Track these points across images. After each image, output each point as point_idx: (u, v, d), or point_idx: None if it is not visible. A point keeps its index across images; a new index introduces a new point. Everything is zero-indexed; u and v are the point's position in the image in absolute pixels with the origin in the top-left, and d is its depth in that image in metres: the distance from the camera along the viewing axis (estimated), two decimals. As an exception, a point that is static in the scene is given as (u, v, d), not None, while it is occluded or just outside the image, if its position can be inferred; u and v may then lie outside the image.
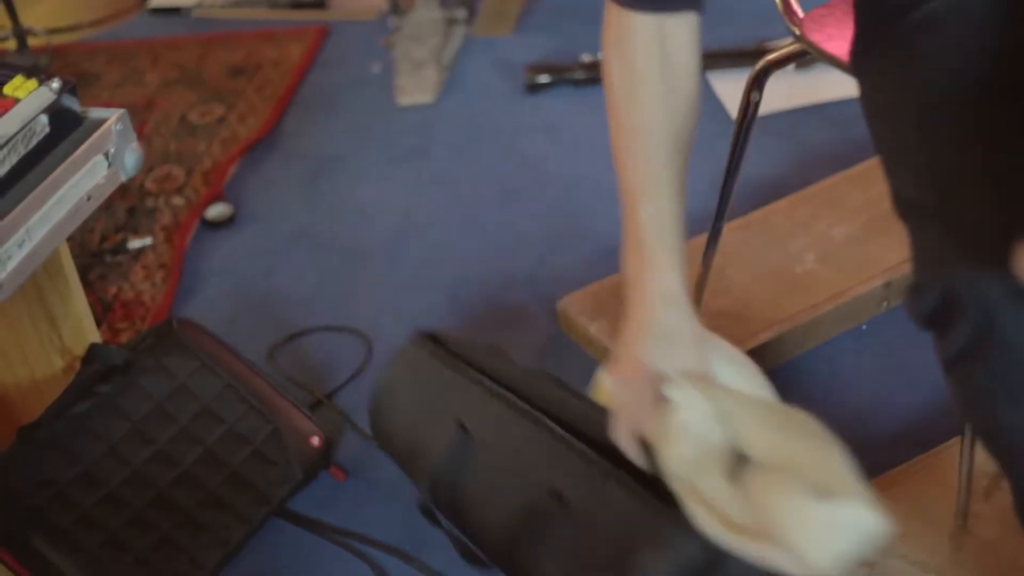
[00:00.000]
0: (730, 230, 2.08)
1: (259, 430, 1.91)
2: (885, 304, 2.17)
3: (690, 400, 1.40)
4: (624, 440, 1.43)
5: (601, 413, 1.47)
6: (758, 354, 2.04)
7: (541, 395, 1.63)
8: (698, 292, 2.10)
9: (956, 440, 1.78)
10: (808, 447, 1.37)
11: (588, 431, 1.53)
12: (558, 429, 1.56)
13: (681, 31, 1.43)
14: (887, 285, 2.16)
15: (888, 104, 1.34)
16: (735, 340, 2.02)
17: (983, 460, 1.77)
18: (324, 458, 1.93)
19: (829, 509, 1.31)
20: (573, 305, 2.17)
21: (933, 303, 1.25)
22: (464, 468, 1.64)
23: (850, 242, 2.23)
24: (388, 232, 2.53)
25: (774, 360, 2.08)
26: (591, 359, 2.12)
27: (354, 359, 2.19)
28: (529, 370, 1.69)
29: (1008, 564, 1.67)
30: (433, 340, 1.78)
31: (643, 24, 1.43)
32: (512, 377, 1.67)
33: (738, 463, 1.38)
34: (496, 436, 1.63)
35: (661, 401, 1.40)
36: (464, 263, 2.40)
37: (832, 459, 1.35)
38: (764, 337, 2.05)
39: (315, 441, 1.92)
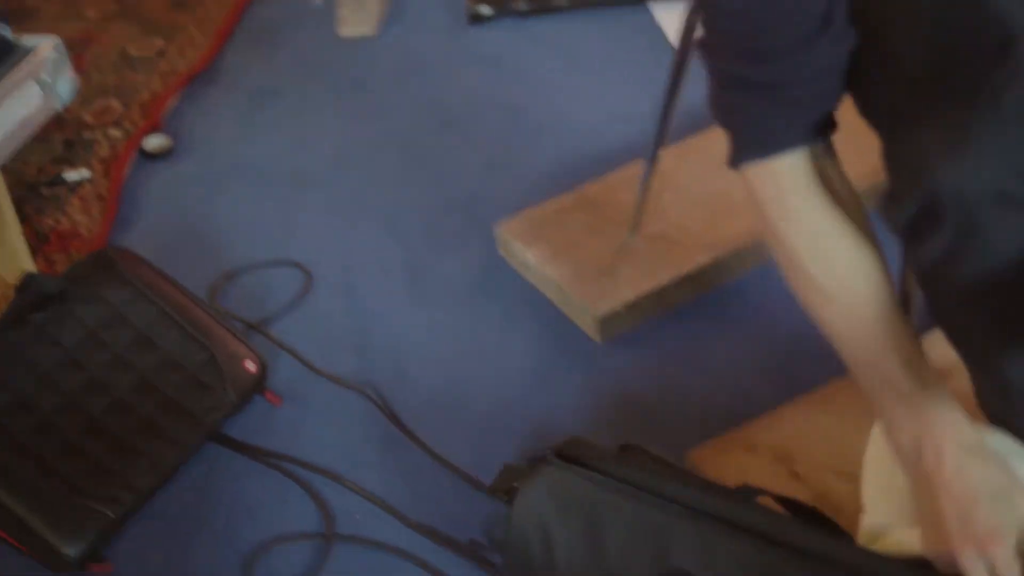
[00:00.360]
0: (669, 156, 2.08)
1: (194, 356, 1.90)
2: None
3: None
4: None
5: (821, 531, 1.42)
6: (696, 278, 2.05)
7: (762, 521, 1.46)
8: (636, 217, 2.10)
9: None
10: None
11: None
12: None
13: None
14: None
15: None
16: (672, 264, 2.04)
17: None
18: (259, 383, 1.92)
19: None
20: (510, 230, 2.16)
21: (912, 210, 1.24)
22: None
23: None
24: (327, 163, 2.52)
25: (712, 283, 2.08)
26: (528, 284, 2.12)
27: (292, 288, 2.18)
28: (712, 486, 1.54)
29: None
30: (566, 457, 1.58)
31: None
32: (699, 493, 1.50)
33: None
34: (733, 572, 1.44)
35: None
36: (403, 191, 2.40)
37: None
38: (702, 261, 2.05)
39: (250, 366, 1.92)
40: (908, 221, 1.26)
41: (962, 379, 1.58)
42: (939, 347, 1.75)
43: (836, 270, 1.33)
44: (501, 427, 1.88)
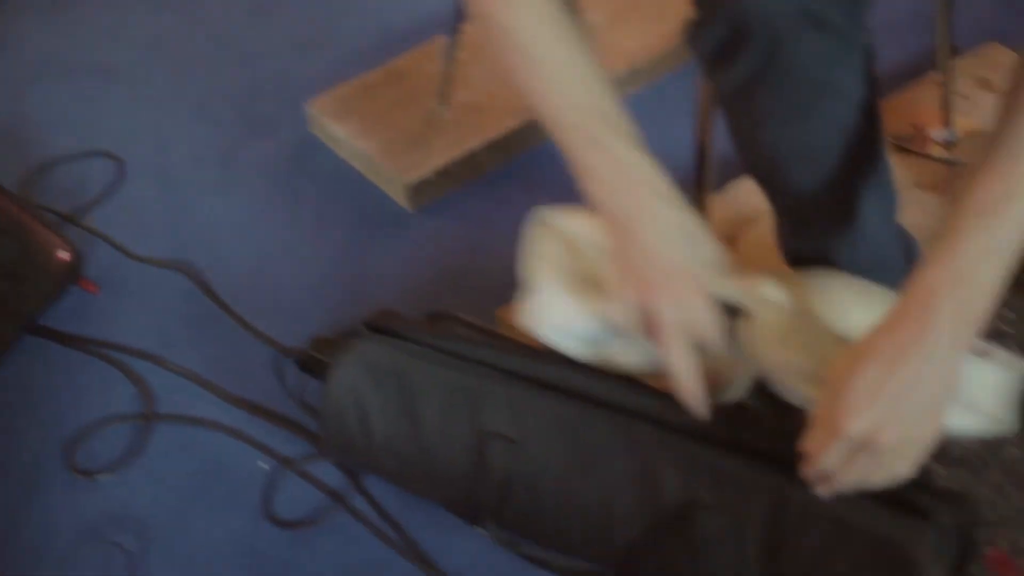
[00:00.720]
0: (473, 25, 2.10)
1: (4, 250, 1.89)
2: (630, 88, 2.22)
3: (768, 292, 1.33)
4: (684, 369, 1.33)
5: (623, 380, 1.44)
6: (505, 143, 2.08)
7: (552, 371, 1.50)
8: (444, 87, 2.13)
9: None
10: None
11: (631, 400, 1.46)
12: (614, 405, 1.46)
13: None
14: (631, 71, 2.21)
15: None
16: (481, 130, 2.07)
17: (715, 224, 1.85)
18: (74, 272, 1.92)
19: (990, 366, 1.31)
20: (320, 107, 2.18)
21: (719, 35, 1.29)
22: (515, 478, 1.51)
23: (594, 30, 2.26)
24: (136, 53, 2.50)
25: (522, 147, 2.12)
26: (340, 160, 2.14)
27: (106, 179, 2.18)
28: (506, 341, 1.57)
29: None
30: (377, 328, 1.61)
31: None
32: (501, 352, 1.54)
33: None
34: (543, 433, 1.49)
35: (717, 308, 1.32)
36: (212, 76, 2.39)
37: None
38: (511, 125, 2.09)
39: (63, 256, 1.91)
40: (715, 45, 1.31)
41: (765, 226, 1.65)
42: (742, 197, 1.82)
43: (544, 35, 1.31)
44: (317, 300, 1.91)
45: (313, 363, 1.69)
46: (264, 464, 1.71)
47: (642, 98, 2.21)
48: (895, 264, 1.56)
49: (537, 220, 1.49)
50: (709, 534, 1.41)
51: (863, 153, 1.44)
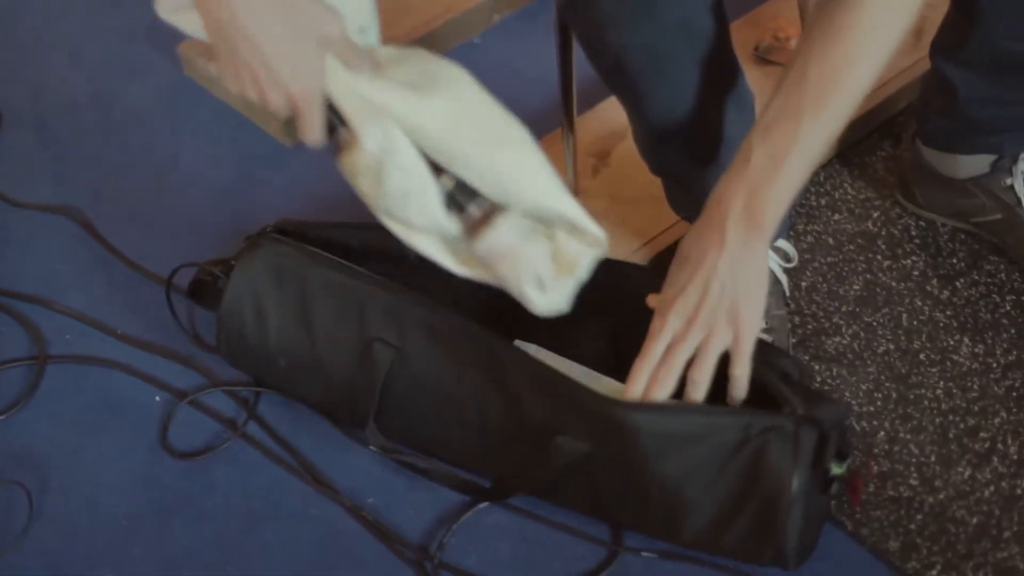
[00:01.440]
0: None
1: None
2: (495, 16, 2.26)
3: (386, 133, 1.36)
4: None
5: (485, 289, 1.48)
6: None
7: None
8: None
9: (559, 131, 1.90)
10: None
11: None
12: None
13: None
14: (498, -2, 2.25)
15: None
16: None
17: (588, 143, 1.91)
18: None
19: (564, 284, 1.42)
20: (192, 47, 2.19)
21: None
22: (397, 384, 1.58)
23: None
24: (3, 1, 2.49)
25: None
26: (216, 99, 2.16)
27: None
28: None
29: (617, 228, 1.82)
30: (285, 232, 1.67)
31: None
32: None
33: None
34: (420, 341, 1.56)
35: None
36: (80, 27, 2.39)
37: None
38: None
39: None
40: None
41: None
42: (612, 113, 1.87)
43: None
44: (202, 238, 1.94)
45: (205, 286, 1.72)
46: (158, 398, 1.75)
47: (510, 23, 2.26)
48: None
49: None
50: (565, 457, 1.49)
51: (713, 57, 1.50)
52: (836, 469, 1.46)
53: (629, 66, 1.42)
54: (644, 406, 1.43)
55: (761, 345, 1.50)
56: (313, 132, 1.35)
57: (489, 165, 1.39)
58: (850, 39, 1.33)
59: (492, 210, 1.41)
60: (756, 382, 1.46)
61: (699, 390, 1.41)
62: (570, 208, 1.40)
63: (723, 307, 1.38)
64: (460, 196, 1.40)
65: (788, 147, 1.34)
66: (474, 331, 1.53)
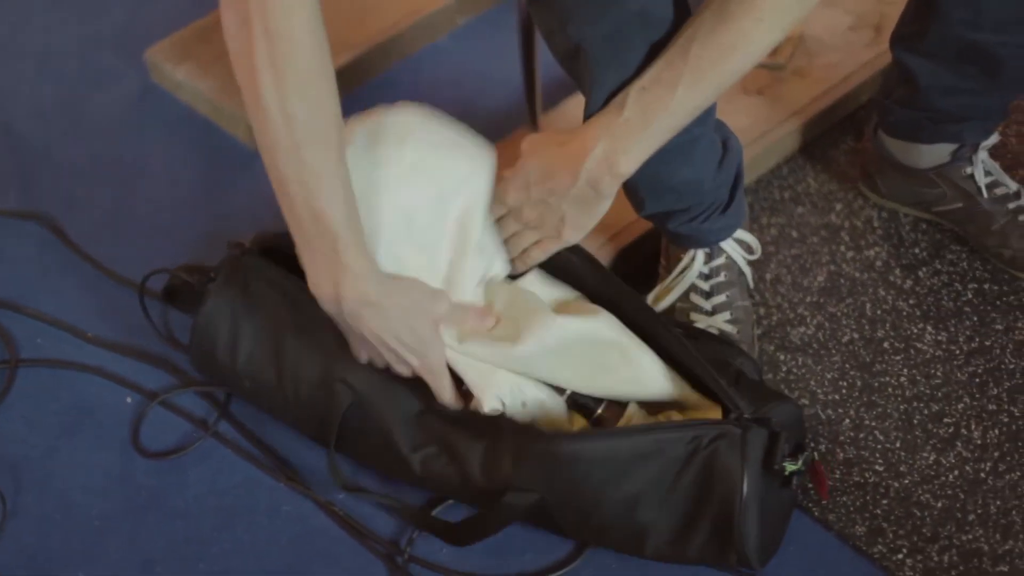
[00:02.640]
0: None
1: None
2: (460, 19, 2.28)
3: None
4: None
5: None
6: (341, 75, 2.13)
7: None
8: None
9: (524, 129, 1.92)
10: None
11: None
12: None
13: None
14: (461, 1, 2.27)
15: None
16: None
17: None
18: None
19: None
20: (159, 53, 2.21)
21: None
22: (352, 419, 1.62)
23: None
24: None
25: (359, 80, 2.17)
26: (183, 104, 2.18)
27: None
28: None
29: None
30: (265, 250, 1.68)
31: None
32: None
33: None
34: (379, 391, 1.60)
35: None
36: (47, 34, 2.39)
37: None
38: (343, 59, 2.13)
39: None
40: None
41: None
42: (574, 111, 1.88)
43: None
44: (174, 238, 1.95)
45: (178, 289, 1.73)
46: (130, 399, 1.76)
47: (475, 26, 2.28)
48: (713, 154, 1.65)
49: None
50: (517, 512, 1.52)
51: (668, 41, 1.51)
52: (790, 467, 1.47)
53: (587, 54, 1.44)
54: (585, 437, 1.49)
55: (718, 343, 1.53)
56: (445, 396, 1.54)
57: (596, 389, 1.55)
58: (736, 27, 1.38)
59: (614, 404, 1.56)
60: (707, 389, 1.49)
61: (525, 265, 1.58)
62: (677, 388, 1.53)
63: (551, 224, 1.53)
64: (581, 399, 1.56)
65: (658, 112, 1.42)
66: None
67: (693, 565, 1.53)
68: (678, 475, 1.46)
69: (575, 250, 1.59)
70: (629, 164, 1.45)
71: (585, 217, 1.52)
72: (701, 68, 1.40)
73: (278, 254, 1.64)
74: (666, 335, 1.54)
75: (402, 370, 1.52)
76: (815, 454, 1.55)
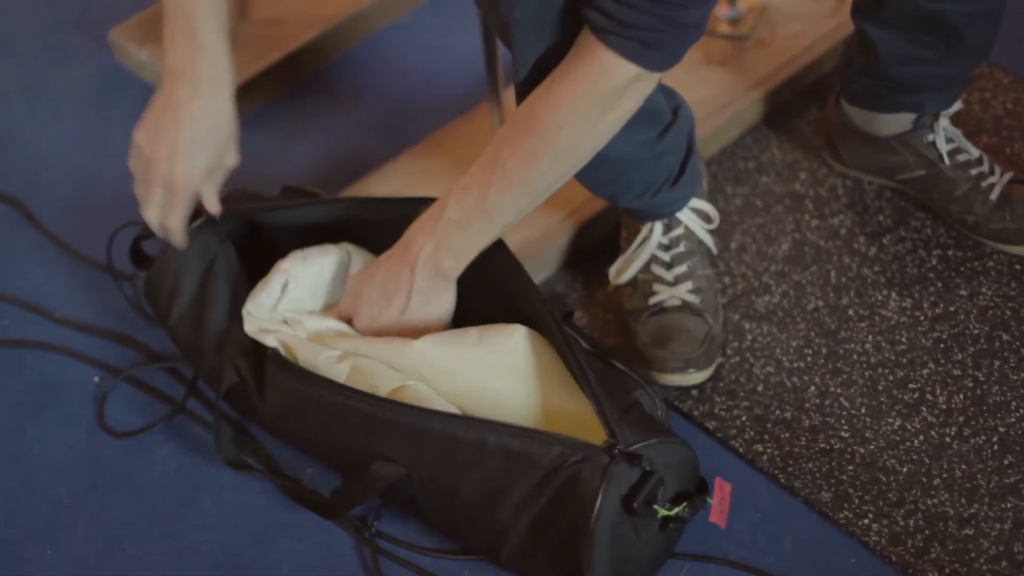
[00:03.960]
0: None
1: None
2: (423, -5, 2.28)
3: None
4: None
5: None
6: (305, 54, 2.14)
7: None
8: (240, 5, 2.17)
9: (486, 104, 1.92)
10: None
11: None
12: None
13: None
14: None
15: None
16: (280, 44, 2.12)
17: (510, 111, 1.93)
18: None
19: None
20: (123, 33, 2.20)
21: None
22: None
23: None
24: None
25: (325, 59, 2.18)
26: (147, 84, 2.17)
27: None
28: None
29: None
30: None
31: None
32: None
33: None
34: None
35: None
36: (9, 15, 2.37)
37: None
38: (307, 37, 2.14)
39: None
40: None
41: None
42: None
43: None
44: (140, 219, 1.94)
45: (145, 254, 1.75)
46: (97, 378, 1.76)
47: (437, 3, 2.27)
48: (663, 118, 1.65)
49: None
50: (382, 482, 1.53)
51: None
52: (663, 511, 1.43)
53: (512, 30, 1.42)
54: (460, 419, 1.48)
55: (620, 375, 1.52)
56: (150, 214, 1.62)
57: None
58: (538, 133, 1.40)
59: None
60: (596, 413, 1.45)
61: None
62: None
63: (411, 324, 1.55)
64: None
65: (476, 213, 1.45)
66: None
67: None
68: (538, 485, 1.43)
69: (497, 255, 1.55)
70: (454, 264, 1.50)
71: (432, 307, 1.55)
72: (508, 172, 1.42)
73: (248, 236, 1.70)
74: (568, 355, 1.48)
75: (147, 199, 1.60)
76: (707, 500, 1.48)
